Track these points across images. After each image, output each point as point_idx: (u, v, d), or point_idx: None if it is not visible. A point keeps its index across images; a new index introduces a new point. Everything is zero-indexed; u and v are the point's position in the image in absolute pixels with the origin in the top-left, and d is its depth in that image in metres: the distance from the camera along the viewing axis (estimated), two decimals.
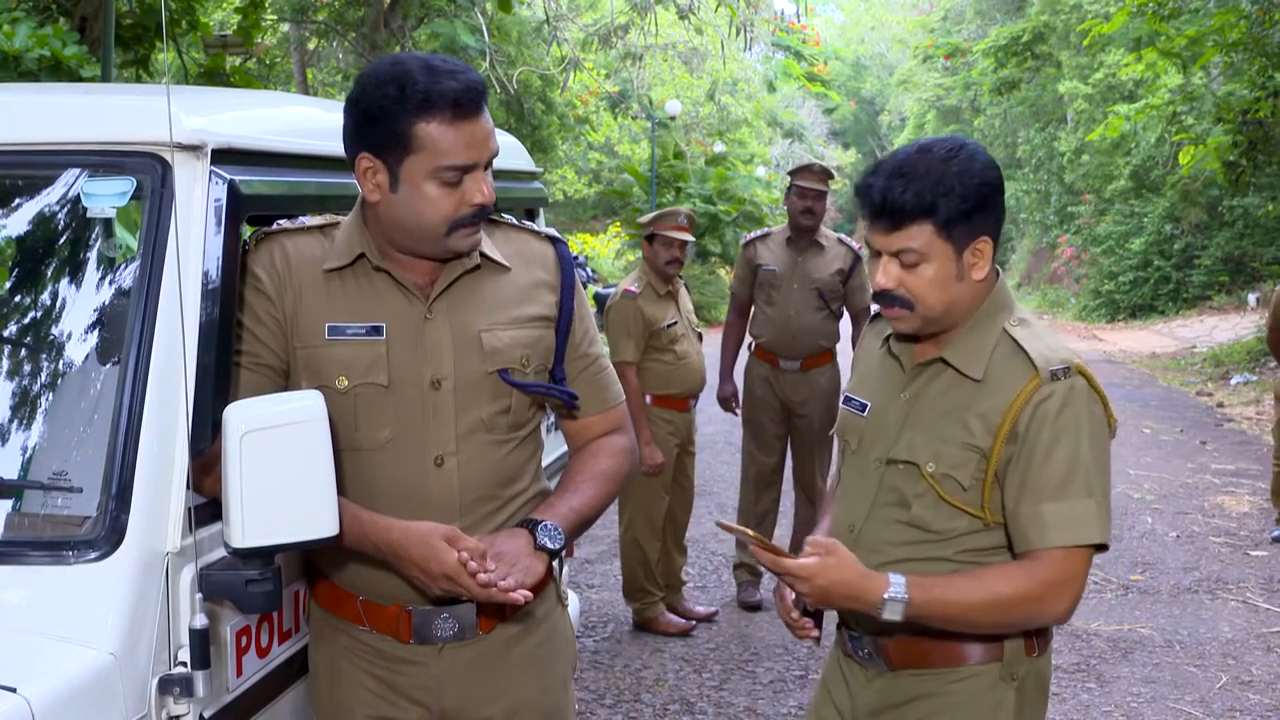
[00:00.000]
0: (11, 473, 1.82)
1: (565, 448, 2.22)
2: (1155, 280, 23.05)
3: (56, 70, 4.91)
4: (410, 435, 1.94)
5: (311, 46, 16.61)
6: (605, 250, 23.74)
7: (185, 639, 1.73)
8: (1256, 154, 13.92)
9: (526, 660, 2.07)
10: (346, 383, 1.93)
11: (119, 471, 1.73)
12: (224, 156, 1.92)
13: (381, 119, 1.85)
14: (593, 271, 17.20)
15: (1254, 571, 6.19)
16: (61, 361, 1.90)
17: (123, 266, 1.95)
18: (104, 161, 1.90)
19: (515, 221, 2.13)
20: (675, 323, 5.01)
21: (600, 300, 10.05)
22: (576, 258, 2.29)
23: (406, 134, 1.84)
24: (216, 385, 1.81)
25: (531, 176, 3.50)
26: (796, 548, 2.06)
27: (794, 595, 2.00)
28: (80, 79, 4.97)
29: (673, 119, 24.74)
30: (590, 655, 4.85)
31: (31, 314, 1.97)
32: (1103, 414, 1.92)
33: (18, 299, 1.98)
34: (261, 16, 9.72)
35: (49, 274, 1.98)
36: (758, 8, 22.45)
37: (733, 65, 27.79)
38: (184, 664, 1.74)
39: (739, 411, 5.65)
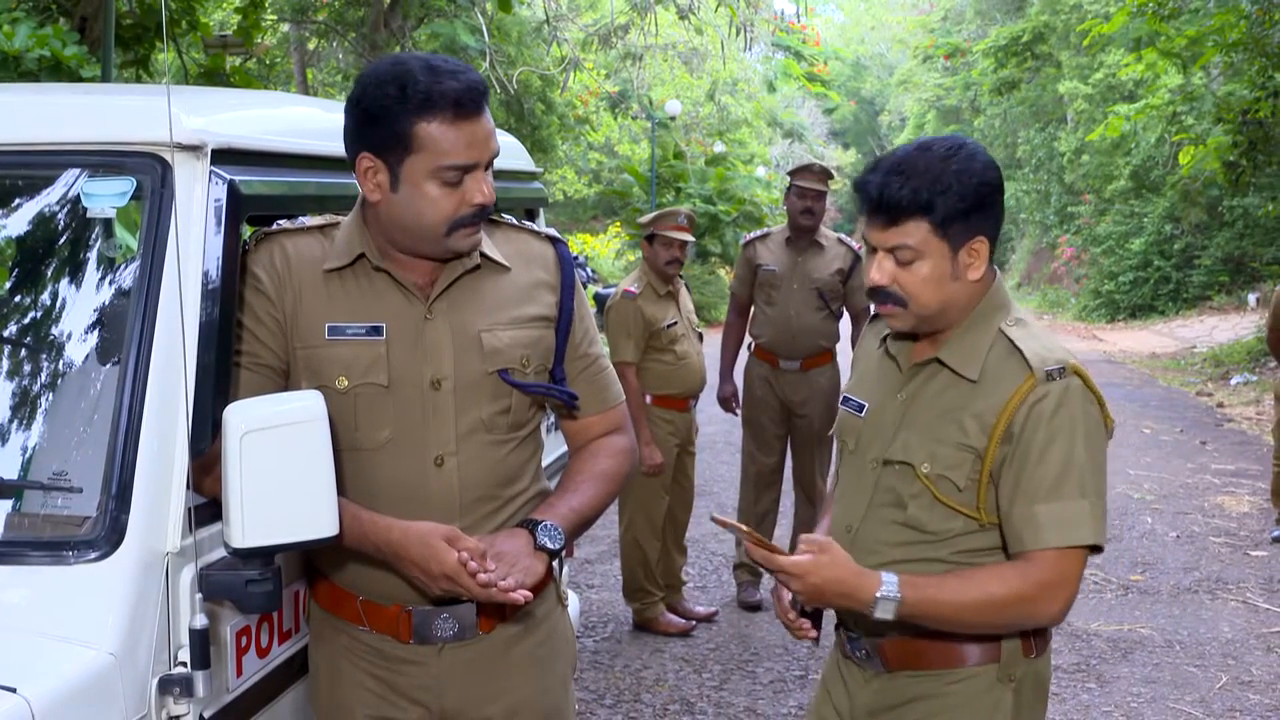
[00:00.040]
0: (11, 473, 1.82)
1: (565, 448, 2.22)
2: (1155, 280, 23.06)
3: (56, 70, 4.91)
4: (410, 435, 1.94)
5: (311, 46, 16.61)
6: (605, 250, 23.74)
7: (185, 639, 1.73)
8: (1256, 154, 13.92)
9: (526, 660, 2.07)
10: (346, 383, 1.93)
11: (119, 471, 1.73)
12: (224, 157, 1.92)
13: (382, 118, 1.85)
14: (593, 271, 17.20)
15: (1254, 571, 6.19)
16: (61, 361, 1.90)
17: (123, 266, 1.95)
18: (104, 161, 1.90)
19: (515, 222, 2.13)
20: (675, 323, 5.01)
21: (600, 300, 10.05)
22: (576, 258, 2.29)
23: (407, 134, 1.84)
24: (216, 385, 1.81)
25: (531, 176, 3.50)
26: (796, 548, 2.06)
27: (790, 596, 2.00)
28: (80, 79, 4.97)
29: (673, 119, 24.74)
30: (590, 655, 4.86)
31: (31, 314, 1.97)
32: (1099, 415, 1.92)
33: (18, 299, 1.98)
34: (261, 16, 9.72)
35: (49, 274, 1.98)
36: (758, 8, 22.44)
37: (733, 65, 27.79)
38: (184, 664, 1.74)
39: (739, 412, 5.65)
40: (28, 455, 1.85)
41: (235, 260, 1.89)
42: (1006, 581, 1.87)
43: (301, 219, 2.02)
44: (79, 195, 1.91)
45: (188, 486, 1.75)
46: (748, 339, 5.64)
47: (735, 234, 21.16)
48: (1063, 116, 28.06)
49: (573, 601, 2.89)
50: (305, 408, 1.72)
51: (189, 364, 1.75)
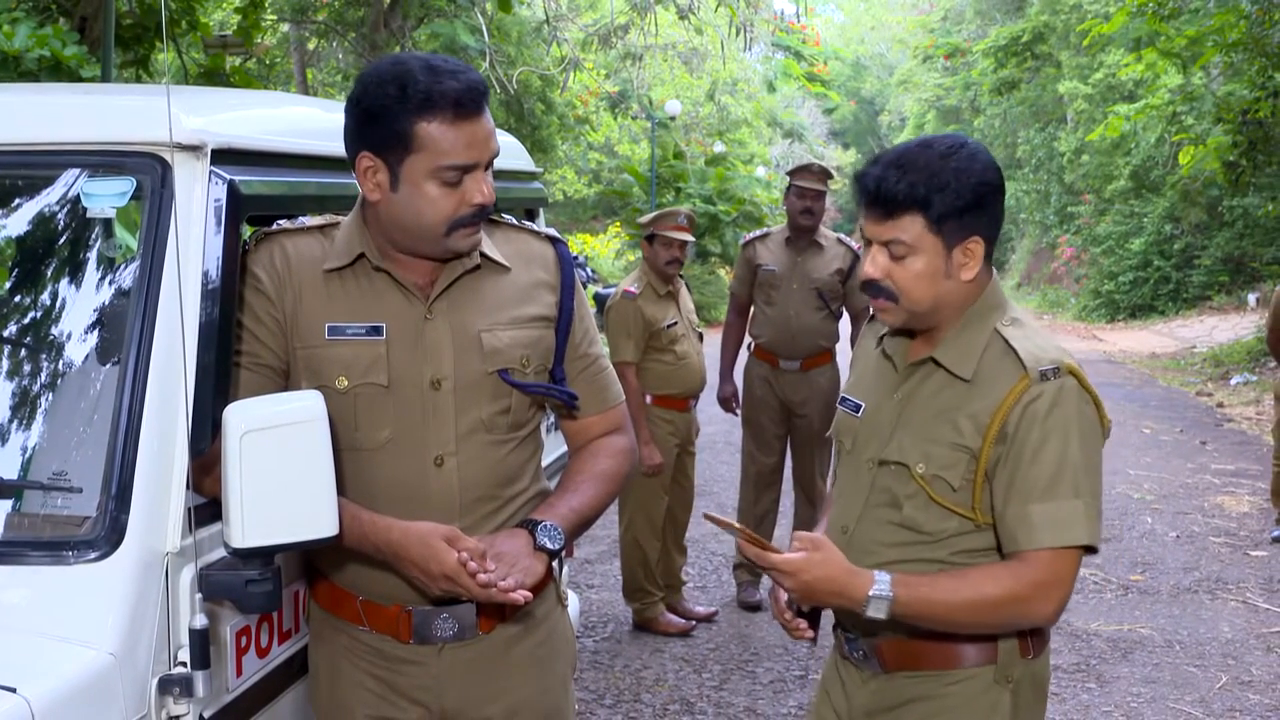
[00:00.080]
0: (11, 473, 1.82)
1: (565, 448, 2.23)
2: (1155, 280, 23.06)
3: (56, 70, 4.91)
4: (410, 435, 1.95)
5: (311, 46, 16.61)
6: (605, 250, 23.74)
7: (185, 639, 1.73)
8: (1256, 154, 13.93)
9: (526, 660, 2.07)
10: (346, 383, 1.93)
11: (119, 471, 1.73)
12: (224, 157, 1.92)
13: (382, 118, 1.85)
14: (593, 271, 17.20)
15: (1254, 571, 6.19)
16: (61, 361, 1.90)
17: (123, 266, 1.95)
18: (104, 161, 1.90)
19: (515, 222, 2.13)
20: (675, 323, 5.01)
21: (600, 300, 10.05)
22: (576, 258, 2.29)
23: (407, 133, 1.84)
24: (216, 385, 1.81)
25: (531, 176, 3.50)
26: None
27: (787, 596, 2.00)
28: (80, 79, 4.97)
29: (673, 119, 24.75)
30: (590, 655, 4.86)
31: (31, 314, 1.97)
32: (1094, 415, 1.91)
33: (18, 299, 1.98)
34: (261, 16, 9.72)
35: (49, 274, 1.98)
36: (758, 8, 22.45)
37: (733, 65, 27.80)
38: (184, 664, 1.73)
39: (739, 411, 5.65)
40: (28, 455, 1.85)
41: (235, 260, 1.89)
42: (1000, 581, 1.87)
43: (301, 219, 2.02)
44: (79, 195, 1.91)
45: (188, 486, 1.75)
46: (747, 339, 5.64)
47: (735, 234, 21.15)
48: (1063, 116, 28.06)
49: (573, 601, 2.89)
50: (305, 408, 1.72)
51: (189, 364, 1.75)
